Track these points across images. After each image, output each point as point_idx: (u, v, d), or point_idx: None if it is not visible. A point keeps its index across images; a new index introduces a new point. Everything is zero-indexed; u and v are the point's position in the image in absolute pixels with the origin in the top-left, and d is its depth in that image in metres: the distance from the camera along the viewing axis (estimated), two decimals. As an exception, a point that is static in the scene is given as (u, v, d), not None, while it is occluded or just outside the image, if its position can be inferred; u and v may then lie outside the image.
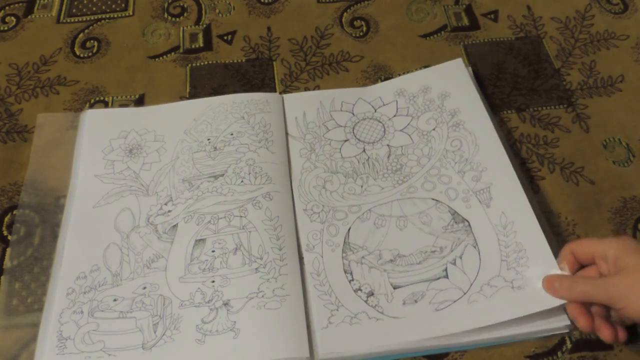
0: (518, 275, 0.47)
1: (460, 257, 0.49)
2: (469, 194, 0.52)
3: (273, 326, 0.45)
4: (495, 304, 0.46)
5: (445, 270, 0.48)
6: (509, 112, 0.60)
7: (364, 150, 0.56)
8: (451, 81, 0.60)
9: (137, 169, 0.55)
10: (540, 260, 0.47)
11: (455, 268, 0.48)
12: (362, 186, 0.54)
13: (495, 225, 0.50)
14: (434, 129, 0.57)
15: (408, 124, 0.58)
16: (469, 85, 0.59)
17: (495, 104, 0.60)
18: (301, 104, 0.60)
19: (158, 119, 0.59)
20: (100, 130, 0.58)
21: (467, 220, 0.51)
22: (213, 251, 0.50)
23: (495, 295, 0.46)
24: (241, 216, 0.51)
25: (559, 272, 0.46)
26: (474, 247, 0.49)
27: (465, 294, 0.47)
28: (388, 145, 0.57)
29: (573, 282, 0.44)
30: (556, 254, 0.47)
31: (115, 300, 0.47)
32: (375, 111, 0.59)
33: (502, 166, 0.53)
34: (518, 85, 0.62)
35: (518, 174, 0.52)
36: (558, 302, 0.44)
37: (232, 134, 0.57)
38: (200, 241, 0.50)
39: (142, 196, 0.53)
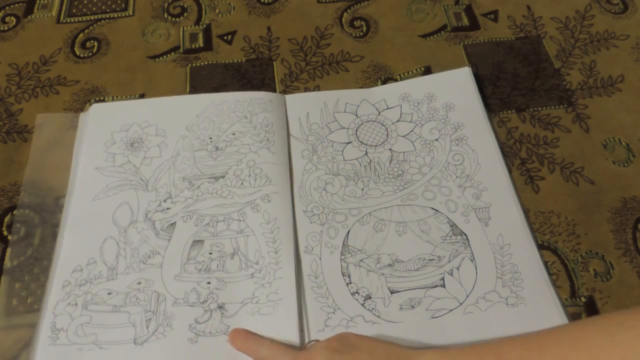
0: (513, 293, 0.47)
1: (458, 269, 0.49)
2: (468, 210, 0.52)
3: (265, 331, 0.45)
4: (490, 317, 0.46)
5: (442, 279, 0.48)
6: (509, 112, 0.60)
7: (366, 153, 0.56)
8: (457, 92, 0.60)
9: (137, 163, 0.55)
10: (534, 285, 0.48)
11: (452, 278, 0.48)
12: (363, 189, 0.54)
13: (493, 244, 0.50)
14: (436, 140, 0.57)
15: (411, 131, 0.58)
16: (474, 99, 0.59)
17: (495, 104, 0.60)
18: (305, 105, 0.60)
19: (160, 113, 0.59)
20: (104, 123, 0.58)
21: (465, 234, 0.51)
22: (210, 253, 0.50)
23: (490, 310, 0.47)
24: (239, 220, 0.51)
25: (553, 294, 0.47)
26: (471, 260, 0.49)
27: (461, 304, 0.47)
28: (390, 149, 0.56)
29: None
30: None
31: (109, 293, 0.47)
32: (379, 114, 0.59)
33: (503, 189, 0.53)
34: (518, 85, 0.62)
35: (515, 176, 0.52)
36: (553, 323, 0.45)
37: (234, 134, 0.57)
38: (198, 242, 0.50)
39: (142, 191, 0.53)
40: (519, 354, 0.38)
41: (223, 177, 0.54)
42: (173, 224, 0.51)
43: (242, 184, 0.53)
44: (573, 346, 0.37)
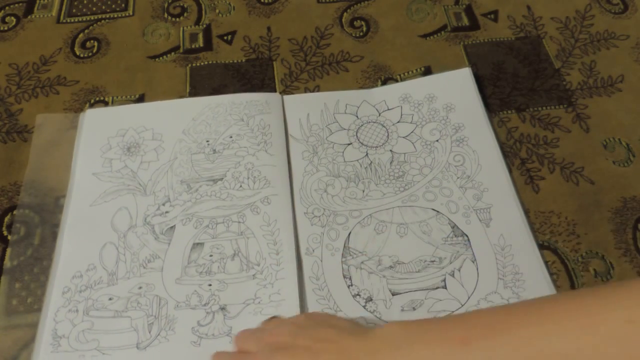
0: (514, 294, 0.47)
1: (459, 270, 0.49)
2: (469, 210, 0.52)
3: None
4: None
5: (444, 280, 0.48)
6: (509, 112, 0.60)
7: (366, 155, 0.56)
8: (457, 93, 0.60)
9: (134, 167, 0.55)
10: (536, 286, 0.48)
11: (454, 280, 0.48)
12: (363, 191, 0.54)
13: (494, 245, 0.50)
14: (437, 141, 0.57)
15: (412, 132, 0.58)
16: (475, 100, 0.59)
17: (495, 104, 0.60)
18: (305, 106, 0.59)
19: (156, 117, 0.58)
20: (100, 128, 0.58)
21: (467, 235, 0.51)
22: (211, 255, 0.50)
23: None
24: (239, 222, 0.51)
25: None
26: (473, 261, 0.49)
27: (462, 305, 0.47)
28: (391, 150, 0.56)
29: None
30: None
31: (110, 299, 0.47)
32: (380, 115, 0.59)
33: (503, 190, 0.53)
34: (518, 85, 0.62)
35: (515, 176, 0.52)
36: None
37: (231, 137, 0.57)
38: (198, 245, 0.50)
39: (140, 195, 0.53)
40: (488, 319, 0.37)
41: (221, 179, 0.54)
42: (172, 227, 0.51)
43: (240, 186, 0.53)
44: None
